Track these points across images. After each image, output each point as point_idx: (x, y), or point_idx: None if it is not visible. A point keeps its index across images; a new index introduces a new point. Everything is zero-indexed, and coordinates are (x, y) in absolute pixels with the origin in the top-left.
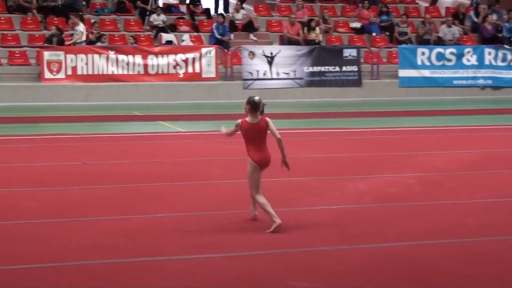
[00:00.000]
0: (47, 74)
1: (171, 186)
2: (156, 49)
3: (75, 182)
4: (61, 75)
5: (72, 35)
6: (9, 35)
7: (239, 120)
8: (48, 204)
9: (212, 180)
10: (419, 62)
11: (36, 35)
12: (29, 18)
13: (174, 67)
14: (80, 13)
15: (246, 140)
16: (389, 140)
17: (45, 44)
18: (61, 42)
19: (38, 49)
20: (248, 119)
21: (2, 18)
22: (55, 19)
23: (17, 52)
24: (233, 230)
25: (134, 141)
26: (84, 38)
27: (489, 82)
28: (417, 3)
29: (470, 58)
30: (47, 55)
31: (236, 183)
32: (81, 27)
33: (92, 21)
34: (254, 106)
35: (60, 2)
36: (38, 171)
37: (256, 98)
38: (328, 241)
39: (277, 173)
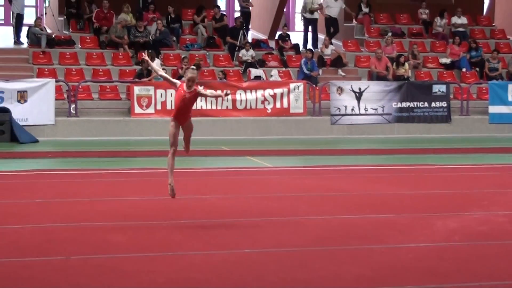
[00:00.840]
0: (137, 109)
1: (257, 221)
2: (245, 84)
3: (163, 216)
4: (151, 110)
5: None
6: (101, 70)
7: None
8: (137, 239)
9: (298, 216)
10: (510, 98)
11: (127, 70)
12: (120, 54)
13: (262, 102)
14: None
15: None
16: (478, 177)
17: (135, 79)
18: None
19: (128, 84)
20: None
21: (94, 54)
22: None
23: (108, 87)
24: (317, 267)
25: (221, 176)
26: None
27: None
28: (508, 39)
29: None
30: (137, 90)
31: (322, 219)
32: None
33: (182, 56)
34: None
35: (151, 38)
36: (128, 205)
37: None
38: (416, 279)
39: (365, 210)
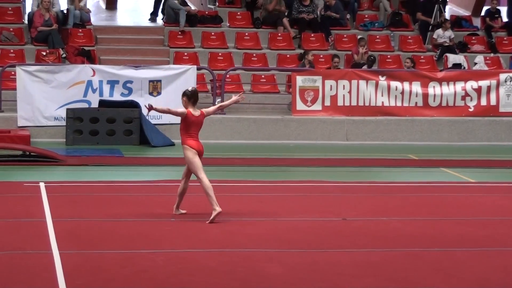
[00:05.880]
0: (300, 105)
1: (454, 252)
2: (440, 75)
3: (331, 242)
4: (317, 107)
5: None
6: (254, 54)
7: (186, 110)
8: (296, 270)
9: (509, 247)
10: None
11: (287, 55)
12: (279, 34)
13: (463, 98)
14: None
15: (185, 130)
16: None
17: (300, 67)
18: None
19: (289, 73)
20: (191, 110)
21: (246, 34)
22: (312, 35)
23: (263, 76)
24: None
25: (407, 193)
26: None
27: None
28: None
29: None
30: (300, 80)
31: None
32: None
33: (359, 37)
34: (190, 97)
35: (319, 14)
36: (286, 227)
37: (190, 88)
38: None
39: None
